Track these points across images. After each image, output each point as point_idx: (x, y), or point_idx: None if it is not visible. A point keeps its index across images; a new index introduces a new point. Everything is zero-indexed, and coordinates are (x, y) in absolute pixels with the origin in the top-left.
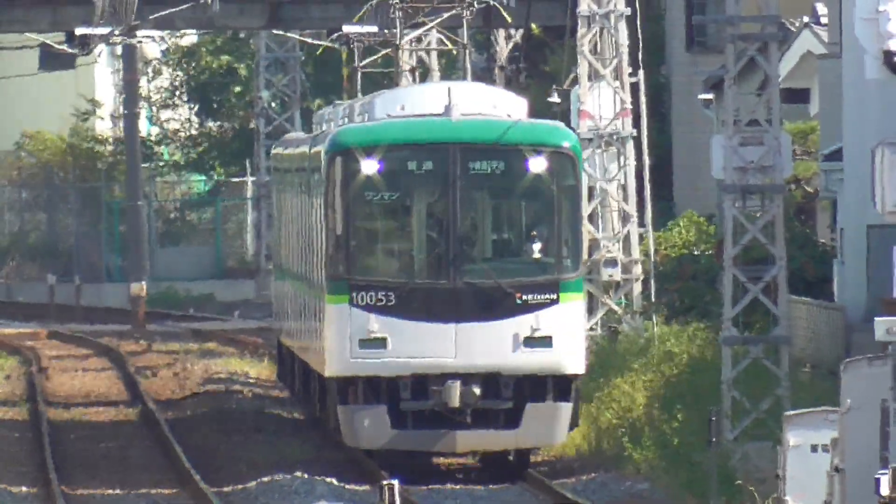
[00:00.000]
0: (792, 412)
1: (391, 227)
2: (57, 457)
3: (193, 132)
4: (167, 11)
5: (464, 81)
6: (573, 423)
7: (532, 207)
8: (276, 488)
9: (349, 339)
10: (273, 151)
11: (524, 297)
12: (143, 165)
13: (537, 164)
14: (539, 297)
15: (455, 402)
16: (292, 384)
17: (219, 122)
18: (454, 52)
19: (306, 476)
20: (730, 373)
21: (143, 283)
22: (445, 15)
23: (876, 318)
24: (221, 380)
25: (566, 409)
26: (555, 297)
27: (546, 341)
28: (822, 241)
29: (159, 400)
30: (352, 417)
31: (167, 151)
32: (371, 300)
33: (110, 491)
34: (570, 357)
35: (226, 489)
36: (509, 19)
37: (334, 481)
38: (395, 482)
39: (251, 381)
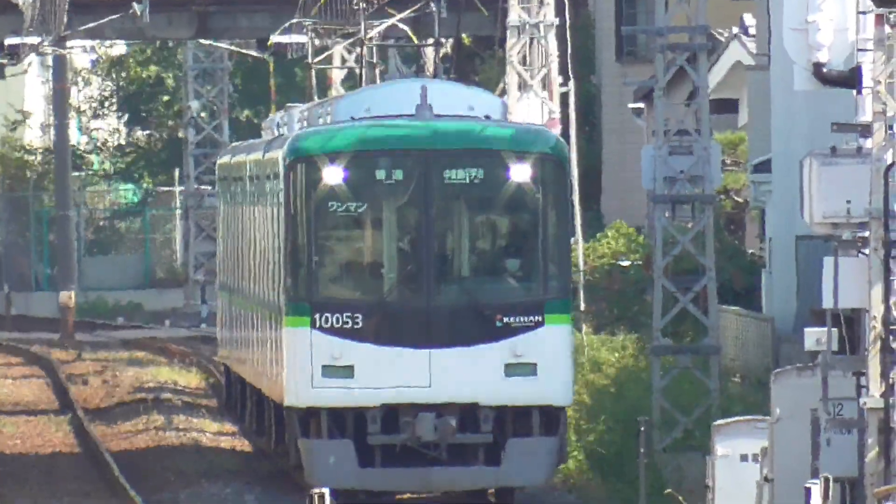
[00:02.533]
0: (721, 422)
1: (357, 241)
2: None
3: (122, 142)
4: (97, 22)
5: (436, 80)
6: (560, 459)
7: (514, 220)
8: (205, 499)
9: (311, 365)
10: (219, 161)
11: (505, 320)
12: (73, 175)
13: (520, 172)
14: (522, 319)
15: (429, 436)
16: (242, 415)
17: (148, 132)
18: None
19: (235, 486)
20: (659, 383)
21: (72, 292)
22: (405, 12)
23: (805, 329)
24: (151, 388)
25: (552, 443)
26: (539, 319)
27: (530, 369)
28: (751, 252)
29: (88, 408)
30: (314, 453)
31: (97, 161)
32: (336, 322)
33: (37, 498)
34: (556, 387)
35: (155, 498)
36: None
37: (262, 492)
38: (326, 491)
39: (180, 389)
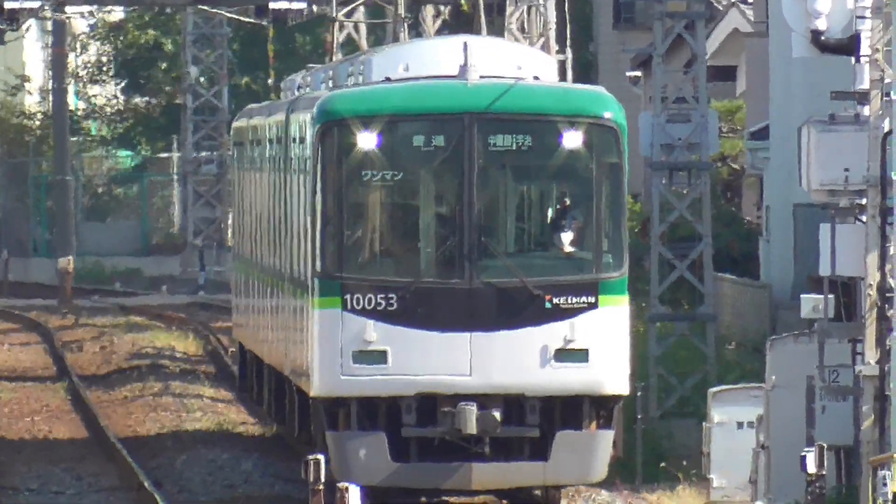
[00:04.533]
0: (717, 389)
1: (393, 214)
2: None
3: (120, 108)
4: None
5: (480, 36)
6: (615, 455)
7: (566, 191)
8: (201, 462)
9: (341, 351)
10: (235, 124)
11: (555, 301)
12: (71, 140)
13: (573, 139)
14: (574, 300)
15: (470, 428)
16: (259, 397)
17: (146, 98)
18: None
19: (232, 452)
20: (655, 350)
21: (71, 257)
22: None
23: (802, 296)
24: (148, 355)
25: (606, 437)
26: (593, 300)
27: (581, 355)
28: (748, 219)
29: (85, 375)
30: (344, 447)
31: (95, 126)
32: (368, 304)
33: (36, 463)
34: (610, 374)
35: (150, 464)
36: None
37: (259, 456)
38: (321, 457)
39: (178, 355)
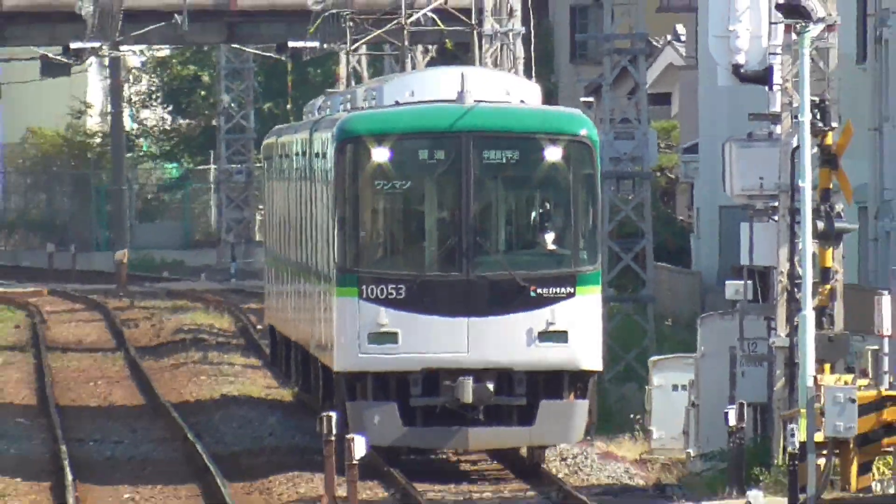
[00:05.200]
0: (656, 358)
1: (402, 217)
2: (56, 391)
3: (167, 128)
4: (145, 29)
5: (474, 67)
6: (590, 422)
7: (548, 198)
8: (235, 418)
9: (358, 333)
10: (265, 141)
11: (539, 291)
12: (126, 155)
13: (553, 153)
14: (554, 290)
15: (468, 398)
16: (287, 371)
17: (187, 120)
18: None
19: (260, 410)
20: (606, 326)
21: (126, 251)
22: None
23: (726, 282)
24: (190, 330)
25: (582, 406)
26: (571, 290)
27: (561, 336)
28: (682, 219)
29: (139, 346)
30: (361, 414)
31: (146, 144)
32: (381, 293)
33: (99, 419)
34: (586, 352)
35: (193, 418)
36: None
37: (282, 413)
38: (333, 414)
39: (215, 331)
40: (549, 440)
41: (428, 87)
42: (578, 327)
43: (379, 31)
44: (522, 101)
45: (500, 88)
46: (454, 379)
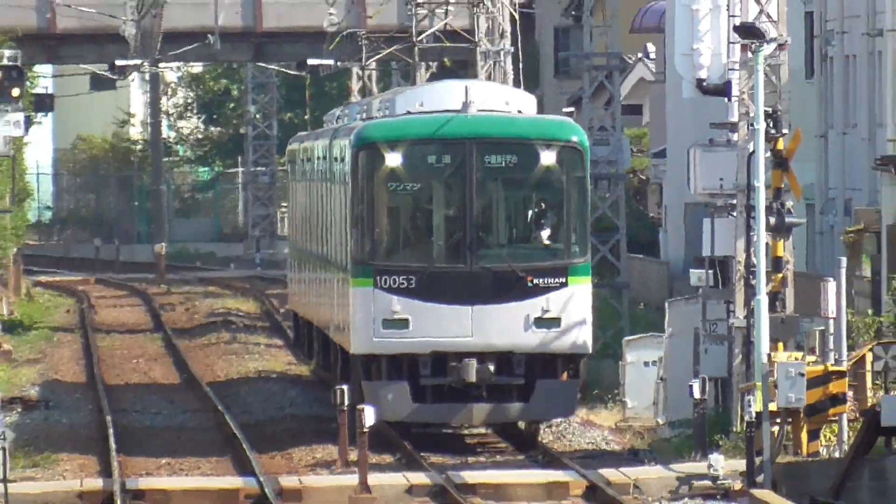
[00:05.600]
0: (629, 338)
1: (412, 215)
2: (101, 367)
3: (200, 136)
4: (182, 49)
5: (478, 80)
6: (581, 399)
7: (543, 197)
8: (260, 391)
9: (373, 319)
10: (289, 147)
11: (535, 281)
12: (164, 160)
13: (548, 157)
14: (549, 280)
15: (472, 378)
16: (309, 352)
17: (218, 128)
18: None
19: (282, 383)
20: None
21: (164, 244)
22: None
23: (691, 270)
24: (220, 313)
25: (574, 385)
26: (564, 280)
27: (555, 322)
28: (652, 215)
29: (175, 328)
30: (376, 392)
31: (182, 150)
32: (394, 283)
33: (138, 391)
34: (578, 337)
35: (222, 391)
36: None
37: (301, 386)
38: (345, 387)
39: (242, 314)
40: (544, 416)
41: (436, 98)
42: (571, 314)
43: (391, 49)
44: (520, 111)
45: (500, 99)
46: (459, 360)
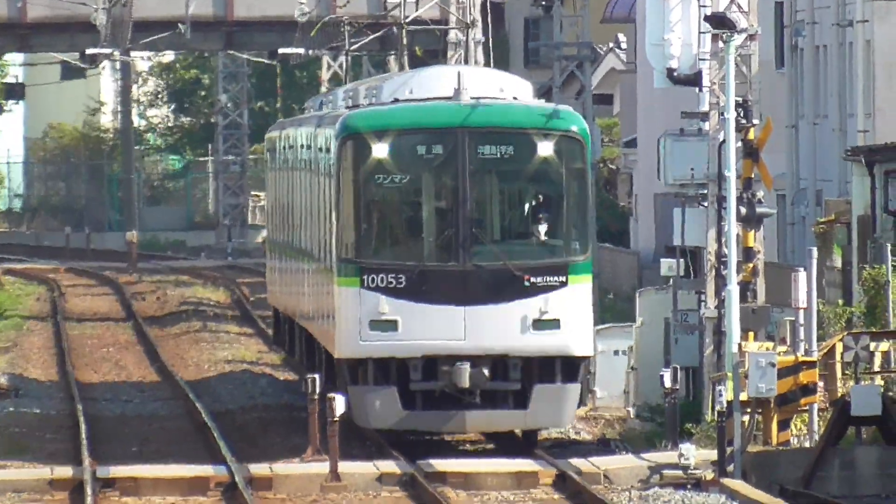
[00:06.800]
0: (600, 327)
1: (401, 210)
2: (72, 356)
3: (171, 125)
4: (152, 37)
5: (469, 66)
6: (579, 403)
7: (540, 191)
8: (230, 380)
9: (360, 321)
10: (268, 135)
11: (532, 280)
12: (134, 148)
13: (546, 148)
14: (547, 279)
15: (465, 383)
16: (291, 349)
17: (189, 117)
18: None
19: (252, 371)
20: None
21: (135, 232)
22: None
23: (661, 260)
24: (191, 302)
25: (574, 390)
26: (563, 279)
27: (554, 324)
28: (622, 204)
29: (146, 317)
30: (363, 398)
31: (153, 138)
32: (382, 283)
33: (110, 380)
34: (578, 339)
35: (193, 380)
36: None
37: (272, 375)
38: (316, 376)
39: (213, 303)
40: (542, 423)
41: (426, 85)
42: (570, 315)
43: (377, 34)
44: (515, 98)
45: (494, 86)
46: (452, 364)
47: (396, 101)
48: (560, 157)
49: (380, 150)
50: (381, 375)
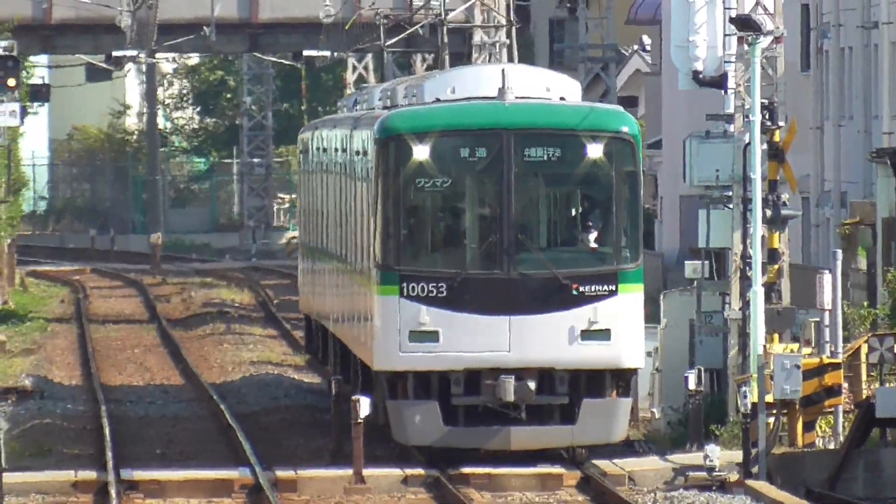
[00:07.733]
0: None
1: (443, 215)
2: (96, 357)
3: (196, 126)
4: (177, 40)
5: (515, 64)
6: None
7: (590, 195)
8: (254, 382)
9: (399, 332)
10: (302, 136)
11: (581, 289)
12: (159, 150)
13: (595, 150)
14: (597, 288)
15: (509, 397)
16: (324, 359)
17: (214, 119)
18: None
19: (277, 372)
20: None
21: (160, 234)
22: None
23: (686, 262)
24: (216, 304)
25: (626, 404)
26: (613, 288)
27: (604, 334)
28: (647, 206)
29: (170, 318)
30: (402, 413)
31: (177, 140)
32: (422, 291)
33: (134, 382)
34: (628, 351)
35: (217, 382)
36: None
37: (296, 377)
38: (340, 377)
39: (237, 305)
40: (591, 439)
41: (469, 83)
42: (621, 325)
43: (415, 28)
44: (563, 98)
45: (540, 85)
46: (495, 378)
47: (438, 100)
48: (610, 159)
49: (421, 153)
50: (421, 389)
